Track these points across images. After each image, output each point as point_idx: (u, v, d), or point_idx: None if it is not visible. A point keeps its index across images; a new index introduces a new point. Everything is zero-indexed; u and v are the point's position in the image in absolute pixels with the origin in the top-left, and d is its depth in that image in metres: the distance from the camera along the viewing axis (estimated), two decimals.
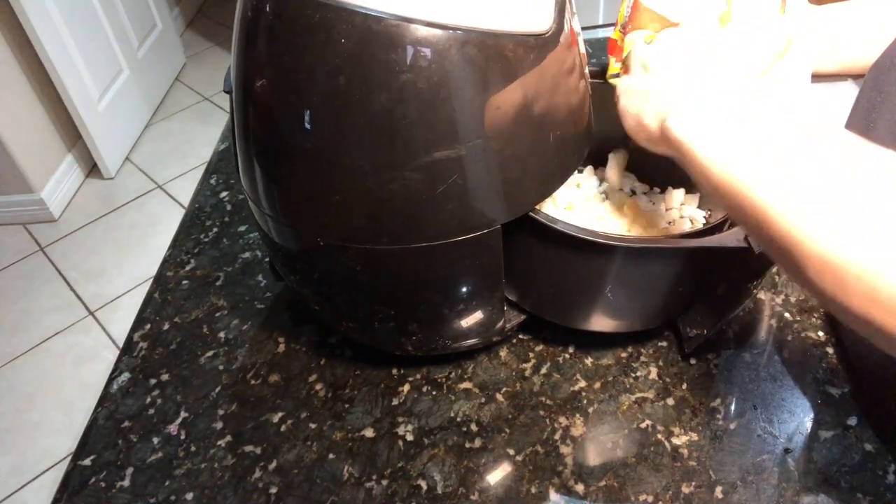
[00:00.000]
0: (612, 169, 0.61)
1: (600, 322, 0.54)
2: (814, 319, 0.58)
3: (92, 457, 0.54)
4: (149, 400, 0.58)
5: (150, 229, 2.06)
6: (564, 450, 0.51)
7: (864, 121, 0.48)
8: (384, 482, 0.50)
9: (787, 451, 0.49)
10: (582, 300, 0.53)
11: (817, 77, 0.56)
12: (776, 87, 0.47)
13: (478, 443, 0.52)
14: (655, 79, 0.43)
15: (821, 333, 0.57)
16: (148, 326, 0.64)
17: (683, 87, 0.40)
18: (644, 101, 0.42)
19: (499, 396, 0.55)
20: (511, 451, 0.51)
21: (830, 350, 0.56)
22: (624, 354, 0.57)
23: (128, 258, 1.96)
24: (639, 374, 0.55)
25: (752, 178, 0.34)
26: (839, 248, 0.29)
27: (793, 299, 0.60)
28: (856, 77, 0.55)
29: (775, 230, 0.32)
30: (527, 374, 0.56)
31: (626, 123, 0.45)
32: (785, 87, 0.48)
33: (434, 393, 0.56)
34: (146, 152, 2.38)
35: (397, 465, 0.51)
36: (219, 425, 0.55)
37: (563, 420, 0.53)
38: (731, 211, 0.36)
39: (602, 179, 0.64)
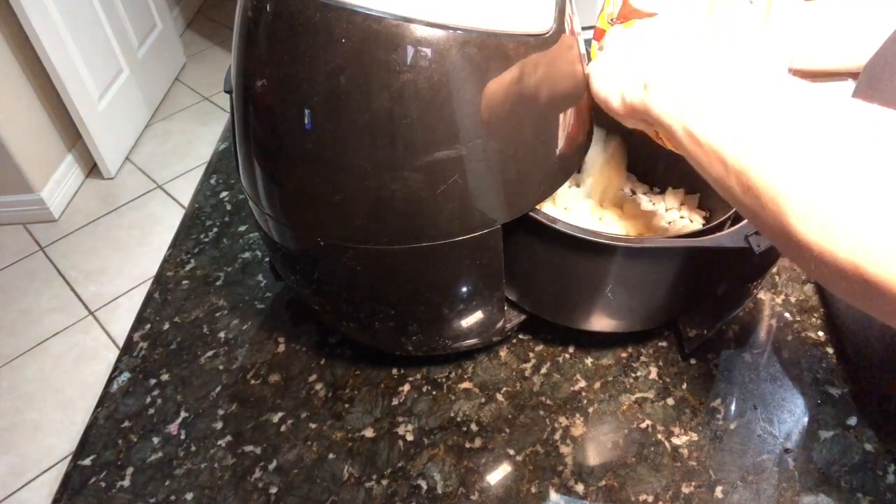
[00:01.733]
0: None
1: (600, 322, 0.54)
2: (814, 319, 0.58)
3: (92, 457, 0.54)
4: (149, 400, 0.58)
5: (150, 229, 2.06)
6: (564, 450, 0.51)
7: None
8: (384, 482, 0.50)
9: (787, 451, 0.49)
10: (582, 300, 0.53)
11: (814, 76, 0.56)
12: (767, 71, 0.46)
13: (478, 443, 0.52)
14: (639, 54, 0.42)
15: (821, 333, 0.57)
16: (148, 326, 0.64)
17: (671, 64, 0.39)
18: (625, 75, 0.42)
19: (499, 396, 0.55)
20: (511, 451, 0.51)
21: (830, 350, 0.56)
22: (624, 354, 0.57)
23: (128, 258, 1.96)
24: (639, 374, 0.56)
25: (734, 131, 0.33)
26: (825, 194, 0.28)
27: (793, 299, 0.60)
28: (854, 75, 0.55)
29: (758, 177, 0.31)
30: (527, 374, 0.56)
31: (599, 95, 0.45)
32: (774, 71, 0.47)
33: (434, 393, 0.56)
34: (146, 152, 2.38)
35: (397, 465, 0.51)
36: (219, 425, 0.55)
37: (563, 420, 0.53)
38: (709, 163, 0.35)
39: None
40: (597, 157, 0.60)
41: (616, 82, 0.43)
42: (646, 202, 0.61)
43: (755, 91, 0.34)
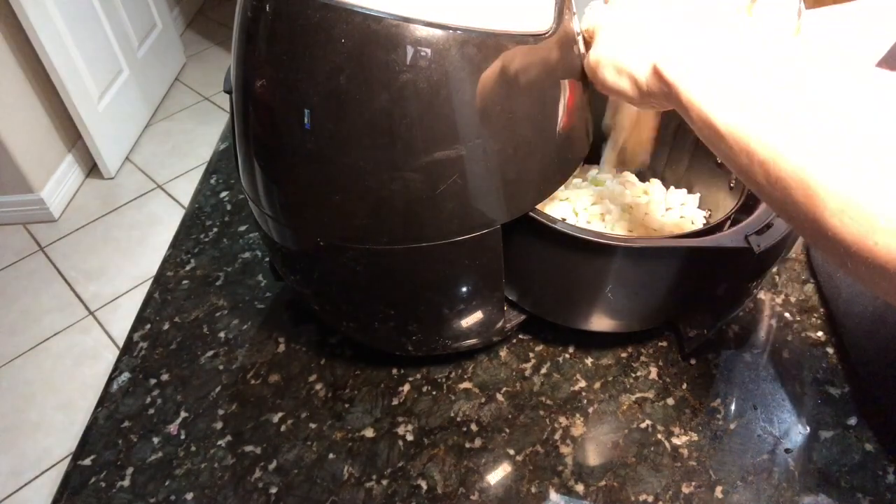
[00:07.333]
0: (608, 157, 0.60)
1: (600, 322, 0.54)
2: (814, 319, 0.58)
3: (92, 457, 0.54)
4: (149, 400, 0.58)
5: (150, 229, 2.06)
6: (564, 450, 0.51)
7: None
8: (384, 482, 0.50)
9: (787, 451, 0.49)
10: (582, 300, 0.53)
11: None
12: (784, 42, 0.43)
13: (478, 443, 0.52)
14: (639, 22, 0.39)
15: (821, 333, 0.57)
16: (148, 326, 0.64)
17: (677, 30, 0.36)
18: (629, 46, 0.39)
19: (499, 396, 0.55)
20: (511, 451, 0.51)
21: (830, 350, 0.56)
22: (624, 354, 0.57)
23: (128, 258, 1.96)
24: (639, 374, 0.55)
25: (758, 116, 0.31)
26: (864, 183, 0.26)
27: (793, 299, 0.60)
28: None
29: (786, 168, 0.29)
30: (527, 374, 0.56)
31: (600, 74, 0.41)
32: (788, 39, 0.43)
33: (434, 393, 0.56)
34: (146, 152, 2.38)
35: (397, 465, 0.51)
36: (219, 425, 0.55)
37: (563, 420, 0.53)
38: (732, 153, 0.33)
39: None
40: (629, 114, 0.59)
41: (625, 62, 0.39)
42: (645, 200, 0.61)
43: (784, 73, 0.31)
